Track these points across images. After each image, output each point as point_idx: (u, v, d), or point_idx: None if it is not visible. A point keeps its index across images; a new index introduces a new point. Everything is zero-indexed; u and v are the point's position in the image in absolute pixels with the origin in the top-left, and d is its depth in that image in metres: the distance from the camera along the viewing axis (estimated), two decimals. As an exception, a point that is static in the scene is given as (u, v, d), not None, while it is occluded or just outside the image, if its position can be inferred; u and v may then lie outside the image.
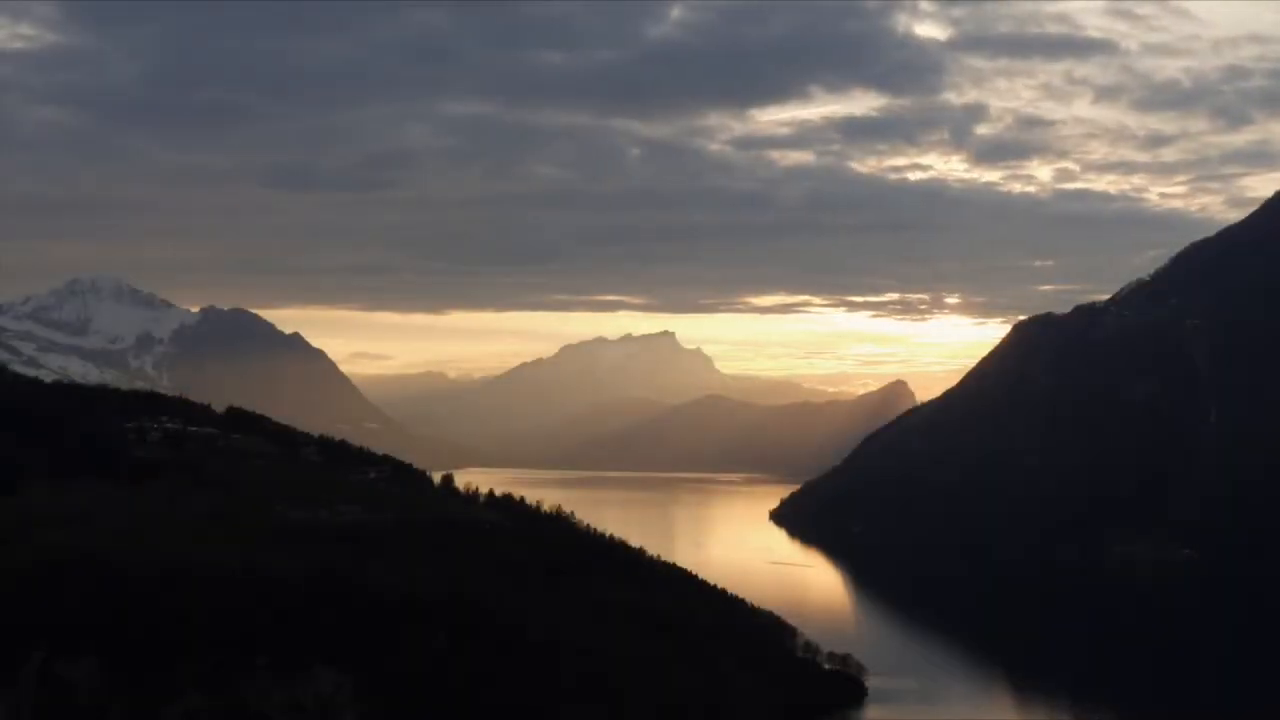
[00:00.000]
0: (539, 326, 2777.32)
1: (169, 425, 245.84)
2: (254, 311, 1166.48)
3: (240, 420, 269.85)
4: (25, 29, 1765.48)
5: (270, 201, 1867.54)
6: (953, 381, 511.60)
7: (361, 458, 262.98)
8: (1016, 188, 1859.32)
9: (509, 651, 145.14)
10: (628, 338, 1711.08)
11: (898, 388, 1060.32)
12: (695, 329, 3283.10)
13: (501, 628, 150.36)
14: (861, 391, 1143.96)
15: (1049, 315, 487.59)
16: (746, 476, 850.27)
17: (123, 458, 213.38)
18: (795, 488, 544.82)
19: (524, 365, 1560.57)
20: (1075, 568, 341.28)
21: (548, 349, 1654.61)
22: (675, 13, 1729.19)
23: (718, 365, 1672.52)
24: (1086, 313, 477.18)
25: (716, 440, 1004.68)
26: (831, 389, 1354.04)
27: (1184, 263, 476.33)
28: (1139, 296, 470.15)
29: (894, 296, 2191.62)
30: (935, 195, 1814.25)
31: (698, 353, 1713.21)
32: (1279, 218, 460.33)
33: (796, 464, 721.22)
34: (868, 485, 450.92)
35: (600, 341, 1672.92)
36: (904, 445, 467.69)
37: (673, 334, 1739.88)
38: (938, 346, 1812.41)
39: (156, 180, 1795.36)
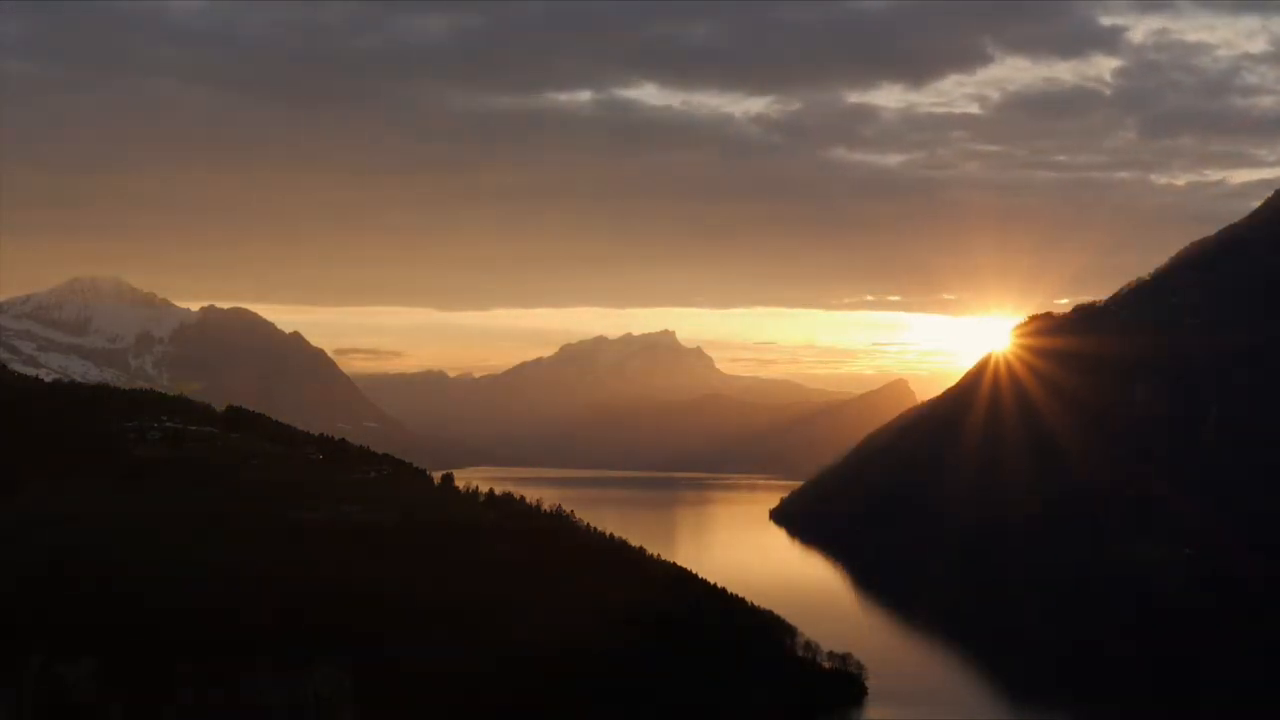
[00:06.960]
0: (539, 326, 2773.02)
1: (169, 425, 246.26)
2: (254, 311, 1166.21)
3: (240, 420, 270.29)
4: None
5: (329, 192, 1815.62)
6: (953, 380, 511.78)
7: (361, 457, 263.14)
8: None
9: (509, 651, 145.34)
10: (628, 337, 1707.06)
11: (898, 387, 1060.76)
12: (696, 328, 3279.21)
13: (501, 628, 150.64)
14: (861, 391, 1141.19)
15: (1049, 315, 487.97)
16: (746, 476, 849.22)
17: (123, 458, 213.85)
18: (795, 487, 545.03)
19: (524, 365, 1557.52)
20: (1075, 567, 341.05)
21: (547, 349, 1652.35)
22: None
23: (718, 365, 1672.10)
24: (1086, 312, 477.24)
25: (716, 440, 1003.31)
26: (832, 389, 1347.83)
27: (1184, 262, 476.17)
28: (1139, 296, 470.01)
29: (897, 297, 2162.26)
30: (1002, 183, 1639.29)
31: (698, 352, 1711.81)
32: None
33: (796, 464, 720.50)
34: (867, 485, 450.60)
35: (600, 341, 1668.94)
36: (904, 445, 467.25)
37: (673, 333, 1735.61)
38: (941, 345, 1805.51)
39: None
